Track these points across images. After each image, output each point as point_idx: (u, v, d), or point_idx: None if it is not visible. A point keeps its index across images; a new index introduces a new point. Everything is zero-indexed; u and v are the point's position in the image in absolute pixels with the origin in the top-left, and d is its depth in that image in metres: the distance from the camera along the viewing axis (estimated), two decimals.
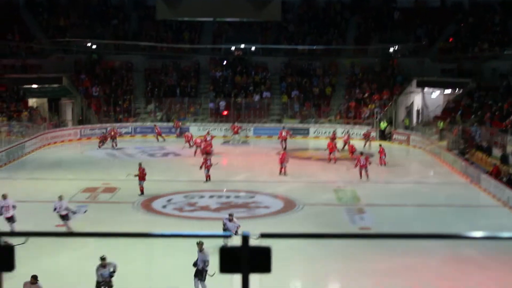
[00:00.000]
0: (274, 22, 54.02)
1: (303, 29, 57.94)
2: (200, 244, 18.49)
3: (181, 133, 48.10)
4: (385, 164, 37.76)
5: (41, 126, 46.65)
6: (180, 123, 49.68)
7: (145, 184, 30.42)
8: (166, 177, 34.64)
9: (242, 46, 55.77)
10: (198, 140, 42.39)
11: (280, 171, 35.25)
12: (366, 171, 34.38)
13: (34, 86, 50.13)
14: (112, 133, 44.84)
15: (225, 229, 21.46)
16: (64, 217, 24.37)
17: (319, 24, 57.94)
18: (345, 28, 57.98)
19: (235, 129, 48.17)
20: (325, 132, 48.88)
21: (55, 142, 45.61)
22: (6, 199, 23.96)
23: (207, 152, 37.96)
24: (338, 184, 33.00)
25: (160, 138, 47.48)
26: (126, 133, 49.51)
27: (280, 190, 31.76)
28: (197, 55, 56.15)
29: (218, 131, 48.81)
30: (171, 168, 37.57)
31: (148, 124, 50.21)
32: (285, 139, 44.19)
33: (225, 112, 51.94)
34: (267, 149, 44.35)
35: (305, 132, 50.20)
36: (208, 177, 33.17)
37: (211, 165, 33.22)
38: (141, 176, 30.38)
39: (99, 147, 43.78)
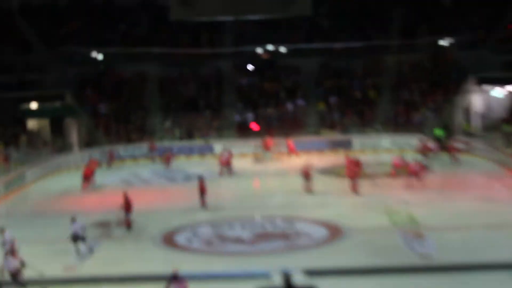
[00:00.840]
0: (304, 17, 53.67)
1: (339, 24, 57.51)
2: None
3: (160, 154, 47.57)
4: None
5: (42, 151, 46.58)
6: (156, 145, 49.13)
7: (166, 214, 30.10)
8: (189, 205, 34.23)
9: (270, 47, 55.52)
10: (223, 159, 42.88)
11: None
12: (420, 180, 34.75)
13: (34, 105, 50.14)
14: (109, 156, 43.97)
15: None
16: (79, 238, 25.91)
17: (357, 18, 57.48)
18: (388, 20, 57.39)
19: (267, 145, 47.72)
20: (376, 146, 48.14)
21: (60, 170, 45.49)
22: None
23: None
24: (391, 205, 32.42)
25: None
26: (141, 155, 49.34)
27: (324, 215, 31.29)
28: (218, 60, 55.95)
29: (247, 148, 48.40)
30: (196, 194, 37.14)
31: (166, 144, 49.90)
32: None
33: (254, 126, 51.60)
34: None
35: (347, 145, 49.52)
36: (204, 203, 33.22)
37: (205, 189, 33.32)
38: (127, 207, 29.90)
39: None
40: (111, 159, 47.80)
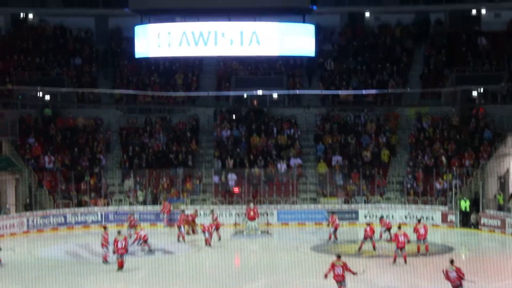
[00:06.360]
0: (305, 57, 54.13)
1: (347, 67, 58.08)
2: None
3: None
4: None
5: None
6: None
7: None
8: (149, 286, 34.45)
9: (260, 92, 55.71)
10: (206, 225, 43.71)
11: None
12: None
13: None
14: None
15: None
16: None
17: (369, 59, 58.04)
18: (408, 64, 58.07)
19: (251, 214, 47.98)
20: (383, 217, 48.34)
21: None
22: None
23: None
24: None
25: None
26: (94, 222, 49.51)
27: None
28: (195, 107, 56.22)
29: (227, 216, 48.70)
30: (159, 273, 37.35)
31: (126, 208, 50.18)
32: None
33: (236, 189, 51.92)
34: (297, 242, 44.07)
35: (352, 216, 49.88)
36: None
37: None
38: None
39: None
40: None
